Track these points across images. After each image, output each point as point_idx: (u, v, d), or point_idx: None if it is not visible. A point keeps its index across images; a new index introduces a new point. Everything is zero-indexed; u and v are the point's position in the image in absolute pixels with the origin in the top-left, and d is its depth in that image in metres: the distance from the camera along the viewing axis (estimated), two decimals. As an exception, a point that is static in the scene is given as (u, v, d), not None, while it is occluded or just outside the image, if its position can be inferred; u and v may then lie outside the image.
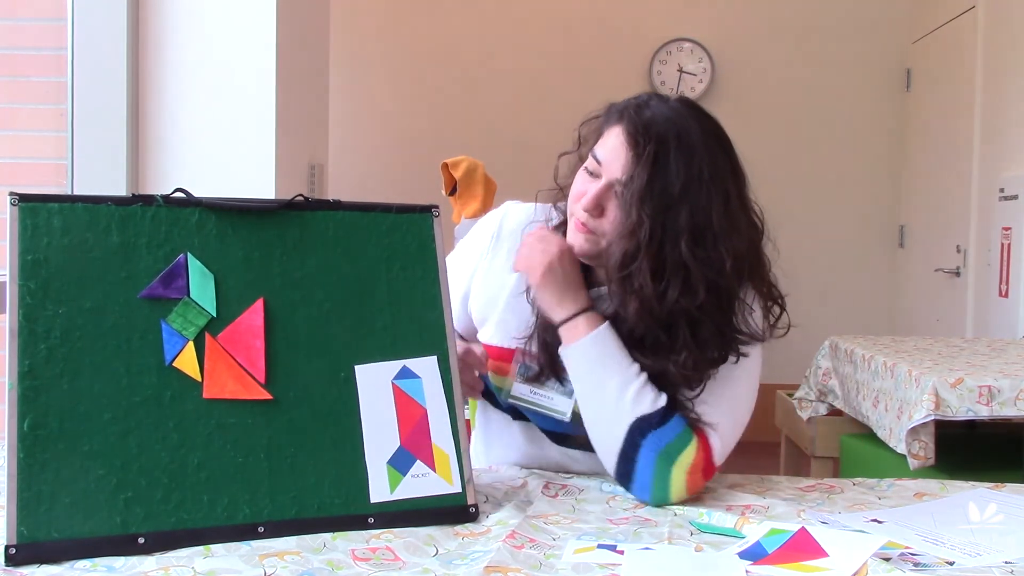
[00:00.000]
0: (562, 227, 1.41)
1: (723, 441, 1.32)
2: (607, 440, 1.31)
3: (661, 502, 1.28)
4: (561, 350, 1.34)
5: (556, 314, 1.34)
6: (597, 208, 1.32)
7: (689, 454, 1.28)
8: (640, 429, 1.28)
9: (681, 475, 1.27)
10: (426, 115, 5.17)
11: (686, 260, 1.26)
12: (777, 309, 1.36)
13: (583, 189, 1.34)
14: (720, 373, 1.32)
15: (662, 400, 1.29)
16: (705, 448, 1.30)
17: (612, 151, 1.31)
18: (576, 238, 1.35)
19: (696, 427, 1.31)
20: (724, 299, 1.30)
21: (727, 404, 1.33)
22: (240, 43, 2.61)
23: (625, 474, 1.30)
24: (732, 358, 1.32)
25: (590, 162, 1.34)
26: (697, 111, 1.33)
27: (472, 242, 1.53)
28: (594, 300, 1.37)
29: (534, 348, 1.40)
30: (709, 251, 1.27)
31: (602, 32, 5.18)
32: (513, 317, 1.44)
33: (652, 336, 1.30)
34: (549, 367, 1.39)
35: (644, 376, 1.30)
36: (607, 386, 1.30)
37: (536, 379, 1.40)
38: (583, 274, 1.38)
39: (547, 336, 1.38)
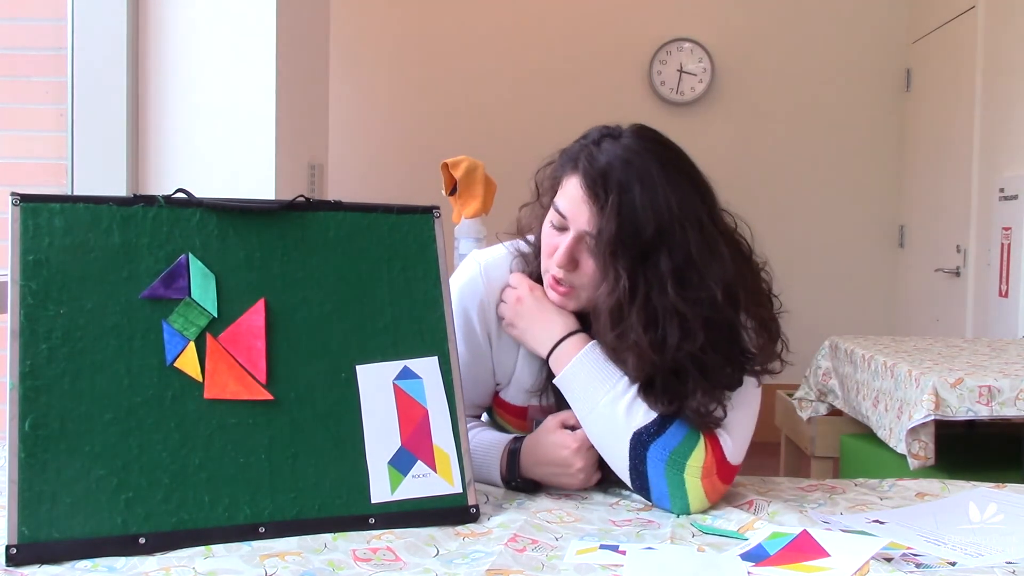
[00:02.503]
0: (538, 273, 1.38)
1: (736, 439, 1.28)
2: (616, 459, 1.28)
3: (684, 511, 1.25)
4: (555, 382, 1.32)
5: (541, 349, 1.33)
6: (571, 262, 1.29)
7: (698, 457, 1.24)
8: (640, 442, 1.25)
9: (695, 481, 1.23)
10: (426, 115, 5.16)
11: (676, 304, 1.21)
12: (774, 326, 1.31)
13: (554, 243, 1.31)
14: None
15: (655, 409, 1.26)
16: (715, 448, 1.25)
17: (573, 202, 1.28)
18: (554, 297, 1.34)
19: (702, 427, 1.26)
20: (725, 330, 1.25)
21: (736, 402, 1.29)
22: (240, 43, 2.60)
23: (643, 488, 1.27)
24: (753, 380, 1.30)
25: (554, 216, 1.31)
26: (651, 142, 1.28)
27: (467, 324, 1.41)
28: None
29: (546, 401, 1.40)
30: (697, 289, 1.22)
31: (602, 32, 5.17)
32: (526, 375, 1.42)
33: (662, 381, 1.26)
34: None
35: (634, 388, 1.27)
36: (599, 405, 1.27)
37: None
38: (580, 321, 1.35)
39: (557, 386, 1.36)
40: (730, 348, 1.27)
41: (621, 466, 1.28)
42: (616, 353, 1.27)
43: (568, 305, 1.33)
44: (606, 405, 1.27)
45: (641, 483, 1.26)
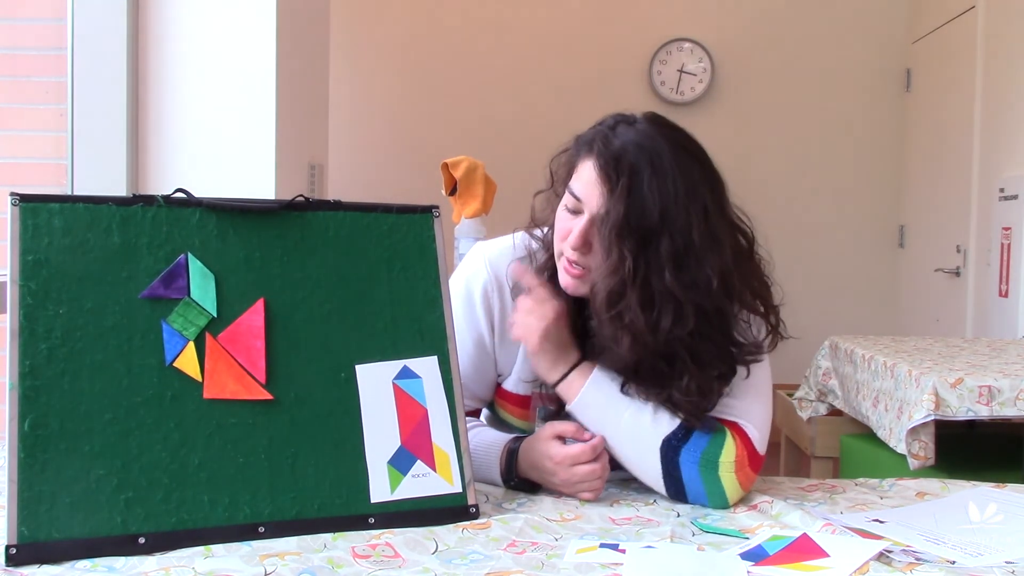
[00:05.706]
0: (549, 262, 1.38)
1: (759, 427, 1.32)
2: (647, 470, 1.31)
3: (722, 506, 1.29)
4: (568, 409, 1.34)
5: (551, 377, 1.34)
6: (586, 244, 1.29)
7: (729, 453, 1.28)
8: (671, 447, 1.28)
9: (729, 476, 1.27)
10: (426, 115, 5.16)
11: (672, 289, 1.23)
12: (773, 318, 1.34)
13: (568, 227, 1.31)
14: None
15: (678, 417, 1.29)
16: (744, 441, 1.30)
17: (587, 185, 1.28)
18: (568, 281, 1.33)
19: (728, 423, 1.31)
20: (716, 318, 1.27)
21: (752, 391, 1.33)
22: (240, 43, 2.61)
23: (678, 492, 1.29)
24: (743, 370, 1.31)
25: (568, 199, 1.32)
26: (665, 127, 1.30)
27: (470, 310, 1.44)
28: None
29: (548, 389, 1.40)
30: (694, 274, 1.24)
31: (602, 32, 5.17)
32: (528, 365, 1.42)
33: (650, 366, 1.28)
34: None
35: (652, 401, 1.30)
36: (622, 421, 1.30)
37: (556, 417, 1.39)
38: (579, 307, 1.36)
39: None
40: (721, 336, 1.28)
41: (654, 476, 1.30)
42: (610, 334, 1.28)
43: (581, 288, 1.33)
44: (630, 418, 1.30)
45: (677, 488, 1.29)
